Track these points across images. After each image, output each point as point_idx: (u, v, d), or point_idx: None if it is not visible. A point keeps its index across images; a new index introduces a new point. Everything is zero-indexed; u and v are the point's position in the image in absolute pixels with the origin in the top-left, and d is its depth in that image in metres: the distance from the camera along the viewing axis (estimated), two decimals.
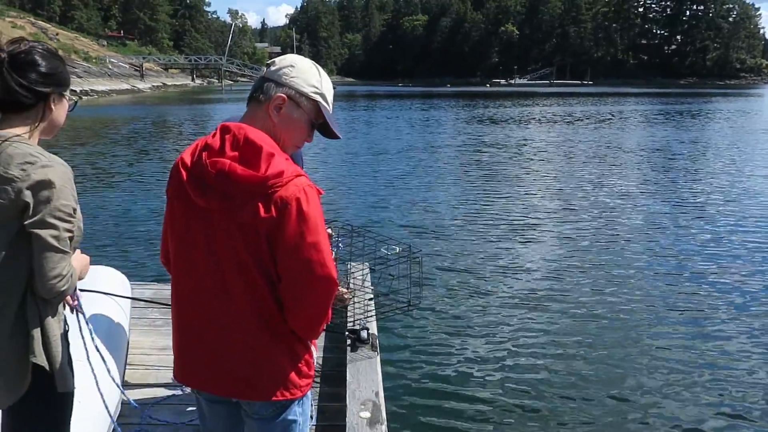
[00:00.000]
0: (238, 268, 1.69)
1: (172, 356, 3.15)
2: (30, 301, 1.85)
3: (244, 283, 1.70)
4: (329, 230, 2.92)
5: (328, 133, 1.90)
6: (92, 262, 2.53)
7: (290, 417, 1.84)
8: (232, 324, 1.73)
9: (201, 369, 1.82)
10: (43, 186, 1.79)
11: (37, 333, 1.86)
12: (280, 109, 1.76)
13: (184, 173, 1.72)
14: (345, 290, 3.16)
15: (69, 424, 2.06)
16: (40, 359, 1.86)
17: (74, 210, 1.87)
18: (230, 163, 1.64)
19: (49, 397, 1.94)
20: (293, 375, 1.79)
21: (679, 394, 4.56)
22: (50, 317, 1.89)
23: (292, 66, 1.80)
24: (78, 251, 2.06)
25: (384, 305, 3.36)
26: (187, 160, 1.73)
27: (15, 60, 1.88)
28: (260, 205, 1.63)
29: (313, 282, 1.69)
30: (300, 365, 1.81)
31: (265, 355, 1.76)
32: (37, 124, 1.94)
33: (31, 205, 1.77)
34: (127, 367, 3.35)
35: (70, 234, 1.85)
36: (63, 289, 1.82)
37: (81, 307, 2.16)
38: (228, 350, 1.76)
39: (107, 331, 2.96)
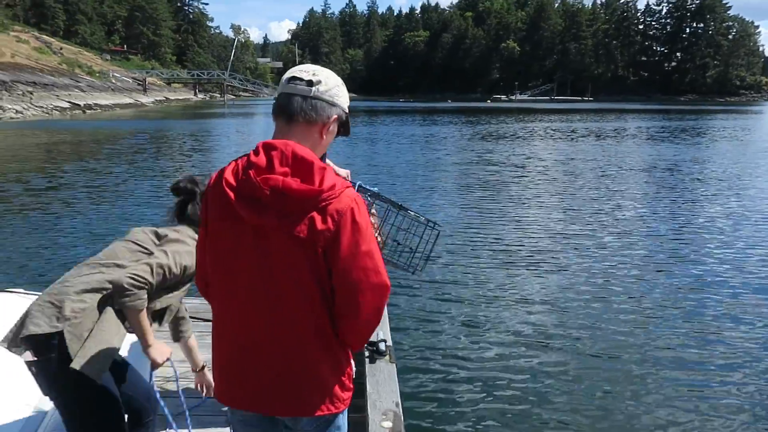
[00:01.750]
0: (295, 284, 1.70)
1: (188, 368, 3.21)
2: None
3: (302, 299, 1.71)
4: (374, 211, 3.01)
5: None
6: None
7: (333, 431, 1.88)
8: (289, 341, 1.75)
9: (248, 389, 1.82)
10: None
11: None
12: (330, 128, 1.82)
13: (231, 194, 1.69)
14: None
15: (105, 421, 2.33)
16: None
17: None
18: (283, 179, 1.65)
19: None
20: (337, 388, 1.82)
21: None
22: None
23: (338, 86, 1.82)
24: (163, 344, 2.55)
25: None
26: (231, 180, 1.71)
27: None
28: (316, 218, 1.65)
29: (370, 289, 1.71)
30: (344, 378, 1.85)
31: (316, 371, 1.78)
32: None
33: None
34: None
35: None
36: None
37: None
38: (281, 368, 1.78)
39: (133, 345, 3.02)
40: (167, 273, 2.40)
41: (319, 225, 1.65)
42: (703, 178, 16.65)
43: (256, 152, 1.72)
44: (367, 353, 3.32)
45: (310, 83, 1.76)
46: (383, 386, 3.01)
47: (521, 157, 21.74)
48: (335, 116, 1.81)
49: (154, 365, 2.48)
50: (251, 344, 1.78)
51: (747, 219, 11.19)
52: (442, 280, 7.50)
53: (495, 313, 6.51)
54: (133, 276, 2.31)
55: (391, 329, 3.91)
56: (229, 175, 1.72)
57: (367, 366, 3.22)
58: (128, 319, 2.37)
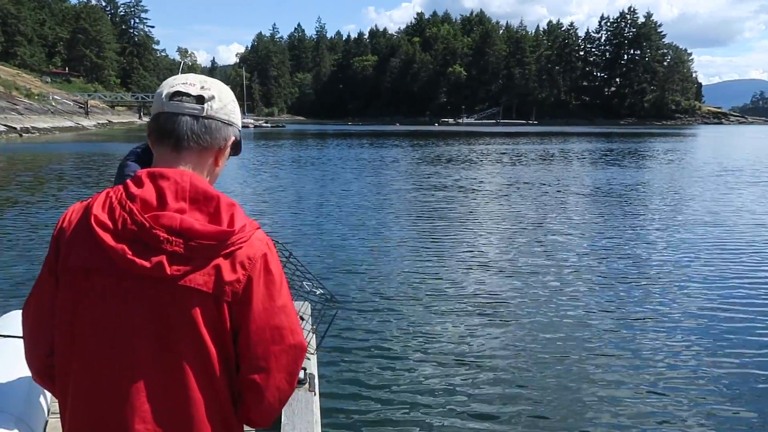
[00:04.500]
0: (194, 351, 1.32)
1: None
2: None
3: (202, 371, 1.33)
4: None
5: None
6: (9, 306, 2.39)
7: None
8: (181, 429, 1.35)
9: None
10: None
11: None
12: (226, 152, 1.48)
13: (108, 237, 1.29)
14: None
15: None
16: None
17: None
18: (181, 217, 1.30)
19: None
20: None
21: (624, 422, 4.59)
22: None
23: (233, 101, 1.48)
24: None
25: None
26: (105, 218, 1.31)
27: None
28: (223, 266, 1.31)
29: (285, 352, 1.39)
30: None
31: None
32: None
33: None
34: (51, 416, 3.16)
35: None
36: None
37: None
38: None
39: (26, 380, 2.78)
40: None
41: (227, 275, 1.31)
42: (649, 203, 16.80)
43: (137, 183, 1.34)
44: None
45: (200, 99, 1.40)
46: (299, 417, 2.86)
47: (469, 180, 21.90)
48: (233, 138, 1.47)
49: None
50: None
51: (697, 245, 11.11)
52: (380, 310, 7.36)
53: (431, 346, 6.30)
54: None
55: (320, 362, 3.76)
56: (99, 211, 1.32)
57: None
58: None
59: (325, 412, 3.94)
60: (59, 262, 1.37)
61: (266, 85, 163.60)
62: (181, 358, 1.31)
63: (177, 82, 1.43)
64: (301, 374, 3.17)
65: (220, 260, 1.31)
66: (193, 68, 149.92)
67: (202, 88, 1.42)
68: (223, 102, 1.44)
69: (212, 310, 1.31)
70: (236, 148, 1.52)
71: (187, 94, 1.40)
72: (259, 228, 1.40)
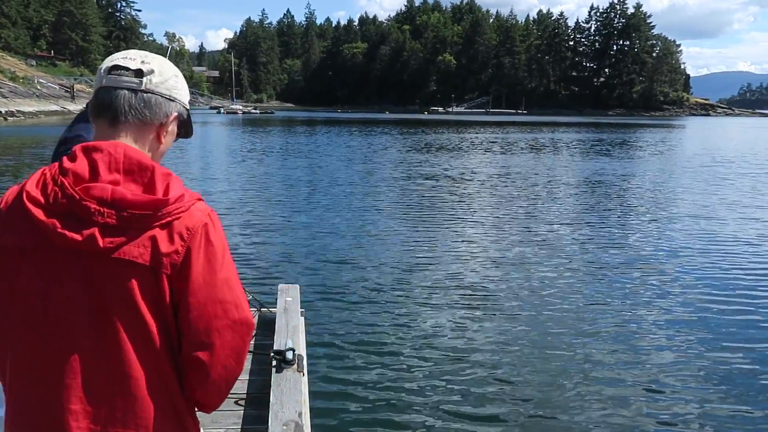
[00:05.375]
0: (133, 327, 1.27)
1: None
2: None
3: (143, 348, 1.28)
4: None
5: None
6: None
7: None
8: (122, 411, 1.29)
9: None
10: None
11: None
12: (169, 129, 1.44)
13: (40, 212, 1.25)
14: None
15: None
16: None
17: None
18: (112, 188, 1.25)
19: None
20: None
21: (610, 413, 4.60)
22: None
23: (176, 75, 1.44)
24: None
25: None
26: (37, 193, 1.27)
27: None
28: (159, 237, 1.26)
29: (229, 328, 1.33)
30: None
31: None
32: None
33: None
34: None
35: None
36: None
37: None
38: None
39: None
40: None
41: (164, 247, 1.26)
42: (641, 194, 16.82)
43: (71, 157, 1.30)
44: (273, 362, 3.14)
45: (139, 73, 1.37)
46: (287, 396, 2.83)
47: (459, 169, 21.91)
48: (175, 114, 1.42)
49: None
50: (68, 416, 1.27)
51: (691, 236, 11.21)
52: (367, 299, 7.32)
53: (418, 334, 6.29)
54: None
55: (313, 343, 3.74)
56: (33, 188, 1.28)
57: (273, 376, 3.04)
58: None
59: (312, 392, 3.93)
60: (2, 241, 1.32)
61: (255, 72, 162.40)
62: (120, 334, 1.26)
63: (117, 57, 1.41)
64: (290, 355, 3.15)
65: (156, 231, 1.26)
66: (180, 53, 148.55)
67: (143, 62, 1.38)
68: (164, 77, 1.40)
69: (150, 283, 1.26)
70: (185, 128, 1.49)
71: (126, 68, 1.36)
72: (200, 199, 1.35)
